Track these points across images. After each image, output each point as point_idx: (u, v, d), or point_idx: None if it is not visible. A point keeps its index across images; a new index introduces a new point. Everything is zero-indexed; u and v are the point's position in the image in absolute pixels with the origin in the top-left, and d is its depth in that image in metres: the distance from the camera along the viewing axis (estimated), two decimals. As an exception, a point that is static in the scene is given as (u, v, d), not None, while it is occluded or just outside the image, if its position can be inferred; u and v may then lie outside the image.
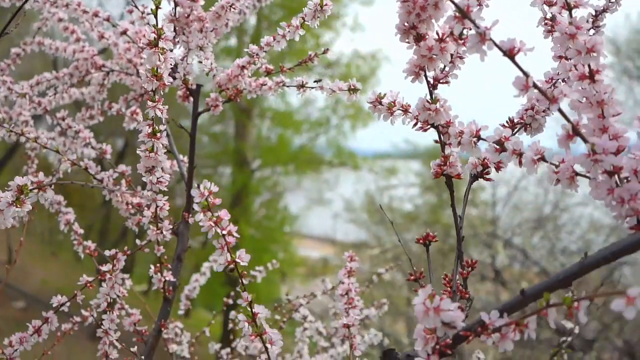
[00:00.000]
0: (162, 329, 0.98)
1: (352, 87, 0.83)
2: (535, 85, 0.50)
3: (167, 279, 0.96)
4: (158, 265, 0.95)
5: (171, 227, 0.90)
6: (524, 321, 0.49)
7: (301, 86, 0.95)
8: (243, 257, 0.62)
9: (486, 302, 6.87)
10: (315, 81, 0.92)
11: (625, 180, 0.51)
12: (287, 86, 0.96)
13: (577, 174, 0.54)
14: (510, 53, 0.50)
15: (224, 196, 11.33)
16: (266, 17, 9.23)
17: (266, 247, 10.06)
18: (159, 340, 0.99)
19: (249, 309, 0.64)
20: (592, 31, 0.72)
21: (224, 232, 0.61)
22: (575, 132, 0.51)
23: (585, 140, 0.51)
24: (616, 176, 0.53)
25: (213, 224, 0.61)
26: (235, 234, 0.62)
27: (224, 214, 0.62)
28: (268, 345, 0.64)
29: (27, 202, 0.67)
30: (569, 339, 1.06)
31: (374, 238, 8.96)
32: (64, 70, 1.19)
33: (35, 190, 0.65)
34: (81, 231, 1.09)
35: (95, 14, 1.08)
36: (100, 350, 0.94)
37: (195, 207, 0.61)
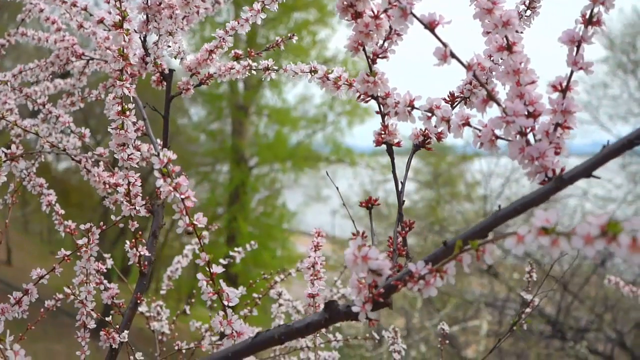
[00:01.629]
0: (138, 302, 1.03)
1: (313, 69, 0.88)
2: (452, 55, 0.55)
3: (142, 253, 1.01)
4: (133, 240, 1.00)
5: (144, 203, 0.95)
6: (444, 267, 0.55)
7: (266, 69, 1.00)
8: (200, 219, 0.68)
9: (480, 295, 6.94)
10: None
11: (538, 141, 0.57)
12: (255, 69, 1.01)
13: (497, 137, 0.60)
14: (430, 26, 0.55)
15: (222, 194, 11.37)
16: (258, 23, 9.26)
17: (264, 244, 10.10)
18: (135, 313, 1.05)
19: (207, 269, 0.69)
20: (528, 12, 0.77)
21: (183, 196, 0.66)
22: (490, 97, 0.56)
23: (499, 105, 0.56)
24: (532, 137, 0.58)
25: (172, 189, 0.66)
26: (194, 198, 0.67)
27: (183, 180, 0.67)
28: (225, 302, 0.69)
29: (2, 174, 0.72)
30: (528, 310, 1.12)
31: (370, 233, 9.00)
32: (45, 59, 1.24)
33: (8, 162, 0.70)
34: (62, 212, 1.14)
35: (74, 4, 1.13)
36: (78, 321, 0.99)
37: (156, 173, 0.66)
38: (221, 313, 0.69)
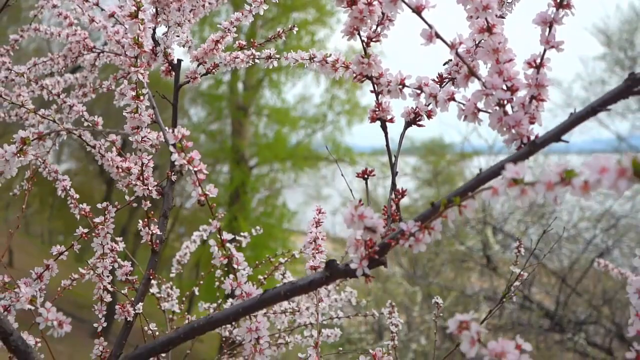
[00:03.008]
0: (151, 278, 1.10)
1: (312, 56, 0.95)
2: (437, 35, 0.62)
3: (154, 232, 1.08)
4: (146, 220, 1.06)
5: (156, 184, 1.02)
6: (431, 224, 0.61)
7: (269, 57, 1.07)
8: (212, 190, 0.74)
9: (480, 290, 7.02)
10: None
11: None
12: (257, 59, 1.08)
13: (478, 109, 0.66)
14: (417, 10, 0.62)
15: (222, 194, 11.43)
16: (261, 14, 9.35)
17: (265, 244, 10.16)
18: (148, 289, 1.11)
19: (219, 236, 0.76)
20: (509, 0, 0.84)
21: (196, 169, 0.73)
22: (471, 72, 0.63)
23: (479, 79, 0.63)
24: (509, 108, 0.65)
25: (186, 162, 0.73)
26: (205, 171, 0.73)
27: (195, 154, 0.74)
28: (235, 266, 0.76)
29: (30, 152, 0.79)
30: (516, 283, 1.18)
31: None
32: (58, 52, 1.31)
33: (36, 140, 0.77)
34: (77, 196, 1.21)
35: (86, 0, 1.20)
36: (95, 295, 1.06)
37: (171, 148, 0.73)
38: (231, 276, 0.76)
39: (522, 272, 1.17)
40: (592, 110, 0.57)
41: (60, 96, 1.23)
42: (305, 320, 1.28)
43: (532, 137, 0.62)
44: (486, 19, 0.65)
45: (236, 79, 11.33)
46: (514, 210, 6.48)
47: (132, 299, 1.06)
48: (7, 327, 0.69)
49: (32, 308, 0.74)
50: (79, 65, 1.41)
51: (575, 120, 0.58)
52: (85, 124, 1.21)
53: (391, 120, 0.76)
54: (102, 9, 1.20)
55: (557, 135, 0.59)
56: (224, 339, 1.47)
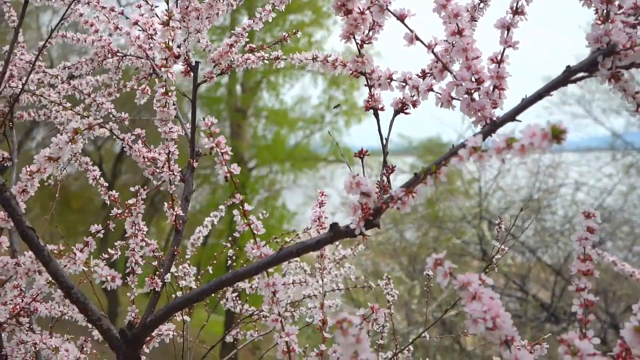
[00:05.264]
0: (175, 253, 1.25)
1: (314, 56, 1.10)
2: (417, 38, 0.77)
3: (177, 213, 1.23)
4: (170, 202, 1.22)
5: (180, 170, 1.17)
6: (413, 189, 0.76)
7: (277, 58, 1.22)
8: (236, 168, 0.90)
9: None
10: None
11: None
12: (266, 59, 1.23)
13: (452, 97, 0.82)
14: (401, 17, 0.78)
15: (222, 196, 11.56)
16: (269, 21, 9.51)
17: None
18: (173, 262, 1.27)
19: (241, 207, 0.91)
20: (482, 4, 0.99)
21: (222, 150, 0.89)
22: (444, 67, 0.79)
23: (451, 73, 0.78)
24: (476, 96, 0.80)
25: (215, 145, 0.88)
26: (230, 152, 0.89)
27: (222, 139, 0.89)
28: (255, 232, 0.91)
29: (79, 141, 0.94)
30: (497, 256, 1.33)
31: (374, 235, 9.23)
32: (85, 56, 1.46)
33: (87, 130, 0.92)
34: (106, 184, 1.36)
35: (112, 9, 1.35)
36: (128, 268, 1.21)
37: (202, 134, 0.88)
38: (251, 241, 0.91)
39: (502, 247, 1.32)
40: (538, 96, 0.73)
41: (91, 95, 1.38)
42: (310, 292, 1.43)
43: (494, 119, 0.77)
44: (457, 24, 0.80)
45: (234, 81, 11.49)
46: (509, 205, 6.65)
47: (160, 270, 1.21)
48: (69, 282, 0.84)
49: (86, 269, 0.89)
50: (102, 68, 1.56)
51: (526, 103, 0.73)
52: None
53: (382, 109, 0.91)
54: (127, 17, 1.35)
55: (512, 116, 0.74)
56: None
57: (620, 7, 0.71)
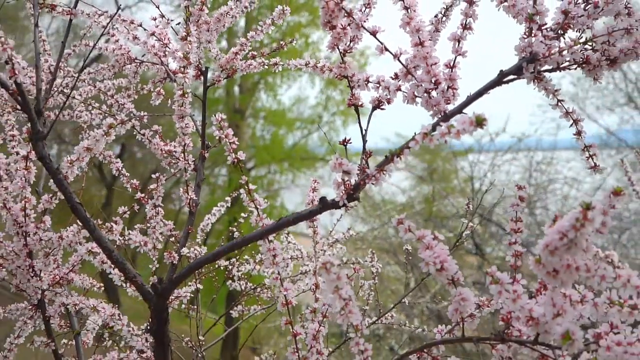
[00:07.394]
0: (190, 232, 1.46)
1: (307, 62, 1.31)
2: (386, 49, 0.98)
3: (191, 197, 1.43)
4: (185, 187, 1.42)
5: (194, 159, 1.38)
6: (384, 168, 0.97)
7: (275, 64, 1.43)
8: (241, 155, 1.10)
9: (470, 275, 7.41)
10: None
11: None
12: (266, 65, 1.44)
13: (415, 95, 1.02)
14: (373, 33, 0.98)
15: (221, 196, 11.75)
16: (254, 19, 9.74)
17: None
18: (187, 240, 1.47)
19: (247, 187, 1.12)
20: (444, 18, 1.20)
21: (230, 140, 1.09)
22: (408, 72, 0.99)
23: (413, 76, 0.99)
24: (434, 94, 1.01)
25: (224, 136, 1.09)
26: (236, 142, 1.09)
27: (230, 131, 1.10)
28: (257, 205, 1.12)
29: (112, 134, 1.14)
30: (468, 232, 1.54)
31: (370, 230, 9.39)
32: (107, 63, 1.67)
33: (120, 125, 1.13)
34: (128, 174, 1.57)
35: (132, 22, 1.56)
36: (149, 244, 1.41)
37: (214, 127, 1.09)
38: (255, 213, 1.12)
39: (470, 224, 1.53)
40: (479, 94, 0.93)
41: (114, 97, 1.59)
42: (306, 268, 1.64)
43: (446, 112, 0.98)
44: (418, 37, 1.01)
45: (232, 82, 11.68)
46: (500, 201, 6.86)
47: (177, 245, 1.42)
48: (110, 246, 1.05)
49: (122, 239, 1.09)
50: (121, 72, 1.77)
51: (470, 100, 0.94)
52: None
53: (361, 105, 1.12)
54: (145, 29, 1.56)
55: (459, 109, 0.95)
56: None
57: (541, 26, 0.92)
